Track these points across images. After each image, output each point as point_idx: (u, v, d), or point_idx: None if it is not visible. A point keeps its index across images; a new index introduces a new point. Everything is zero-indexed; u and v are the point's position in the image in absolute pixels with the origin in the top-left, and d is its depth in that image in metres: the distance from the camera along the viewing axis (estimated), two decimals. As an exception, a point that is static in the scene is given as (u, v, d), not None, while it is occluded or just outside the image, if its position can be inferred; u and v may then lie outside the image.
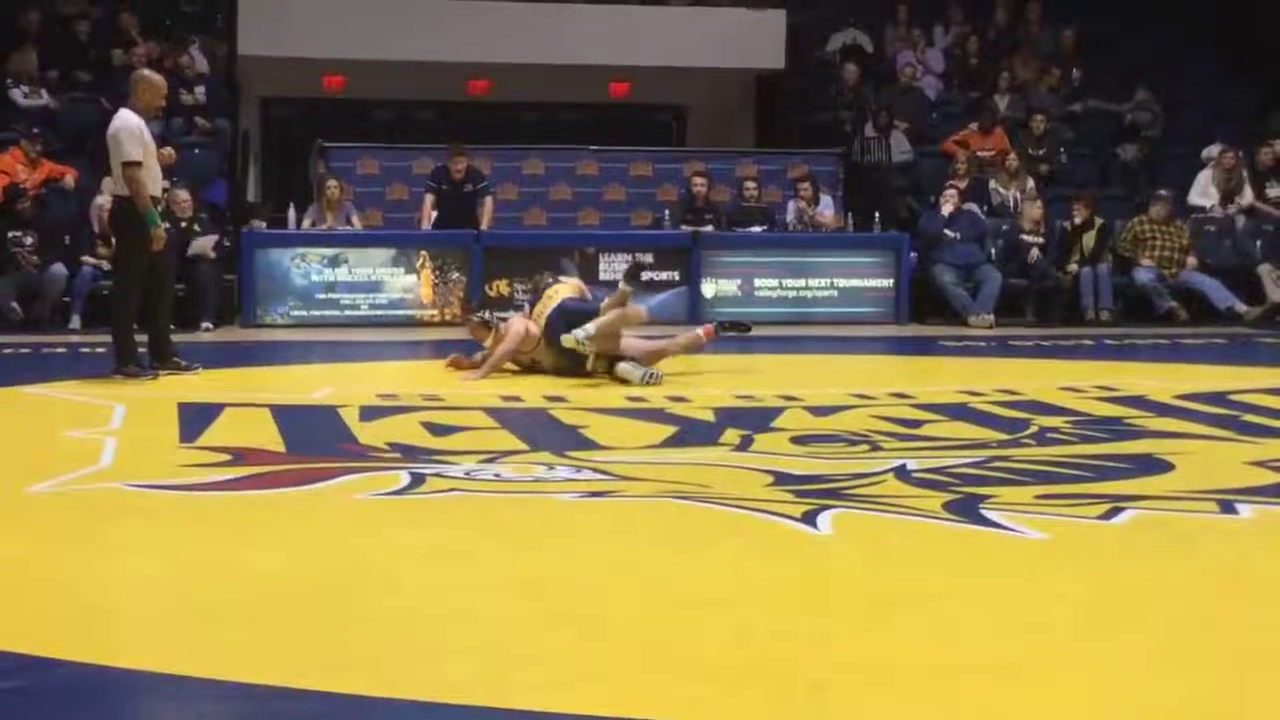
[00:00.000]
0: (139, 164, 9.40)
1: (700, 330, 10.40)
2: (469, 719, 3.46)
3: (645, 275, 14.11)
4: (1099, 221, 14.82)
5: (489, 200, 14.54)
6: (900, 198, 16.04)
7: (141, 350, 9.77)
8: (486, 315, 10.23)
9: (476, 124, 17.52)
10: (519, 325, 9.85)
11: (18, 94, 15.17)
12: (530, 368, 9.91)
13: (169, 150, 10.52)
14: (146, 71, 10.40)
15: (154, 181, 9.64)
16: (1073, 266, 14.47)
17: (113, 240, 13.27)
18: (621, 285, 9.97)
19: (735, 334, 10.68)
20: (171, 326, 10.29)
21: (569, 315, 9.72)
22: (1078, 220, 14.72)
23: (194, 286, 13.36)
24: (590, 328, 9.44)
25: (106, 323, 13.27)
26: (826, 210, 15.13)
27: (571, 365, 9.60)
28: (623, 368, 9.52)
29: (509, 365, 9.87)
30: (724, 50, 17.33)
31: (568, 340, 9.43)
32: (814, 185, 15.22)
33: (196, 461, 6.68)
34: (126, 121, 9.52)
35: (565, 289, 10.17)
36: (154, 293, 9.78)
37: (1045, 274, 14.53)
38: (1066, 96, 17.41)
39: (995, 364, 11.47)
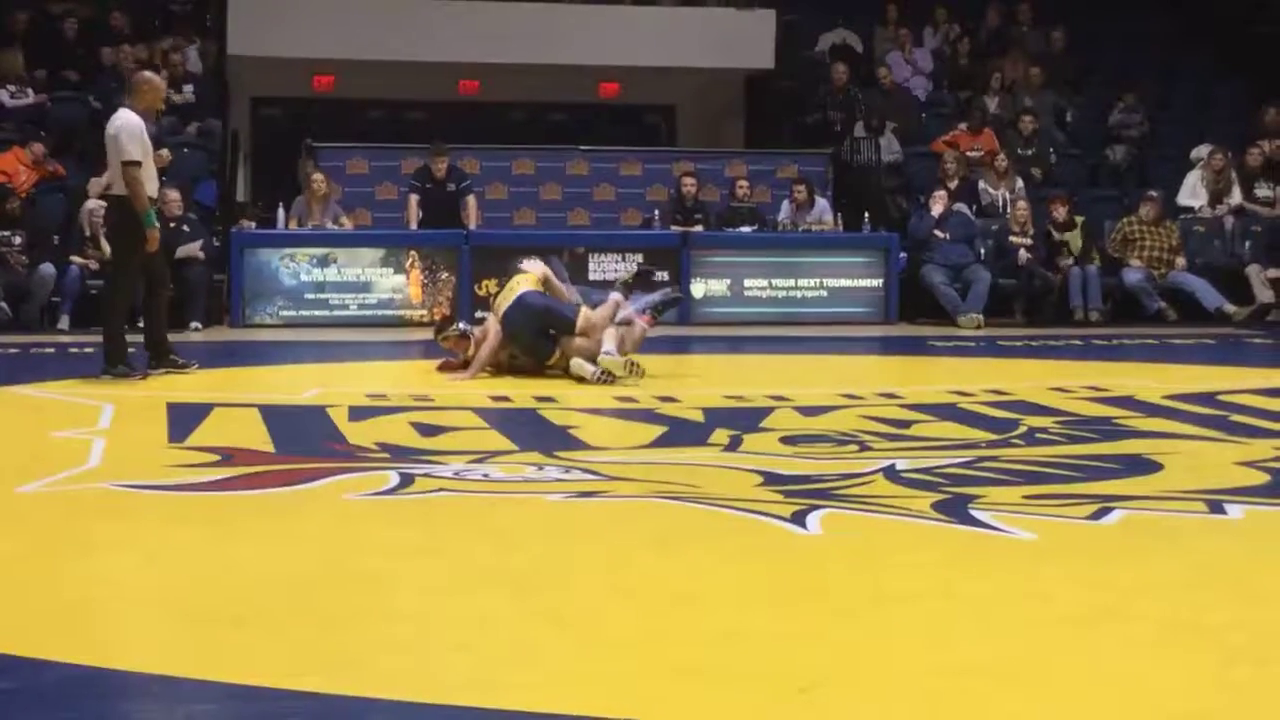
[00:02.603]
0: (138, 164, 9.38)
1: (642, 323, 10.23)
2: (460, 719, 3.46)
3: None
4: (1079, 220, 14.85)
5: (472, 199, 14.54)
6: (890, 198, 16.05)
7: (133, 350, 9.75)
8: (461, 326, 10.21)
9: (467, 124, 17.51)
10: (495, 325, 9.83)
11: (4, 94, 15.14)
12: (510, 368, 9.86)
13: (165, 152, 10.55)
14: (147, 73, 10.44)
15: (150, 182, 9.62)
16: (1066, 263, 14.49)
17: (102, 241, 13.28)
18: (615, 293, 9.93)
19: (669, 305, 10.54)
20: None
21: (530, 312, 9.67)
22: (1058, 219, 14.75)
23: (183, 286, 13.34)
24: (611, 349, 9.41)
25: (96, 323, 13.29)
26: (826, 215, 15.13)
27: (534, 360, 9.63)
28: (575, 363, 9.46)
29: (487, 367, 9.81)
30: (714, 50, 17.34)
31: (608, 363, 9.36)
32: (809, 188, 15.23)
33: (185, 462, 6.67)
34: (128, 121, 9.49)
35: (526, 279, 10.07)
36: (148, 292, 9.77)
37: (1034, 274, 14.55)
38: (1056, 101, 17.41)
39: (984, 364, 11.49)
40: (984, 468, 6.60)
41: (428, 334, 11.02)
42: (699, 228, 14.70)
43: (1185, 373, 10.72)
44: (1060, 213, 14.76)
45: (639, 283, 10.41)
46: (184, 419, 7.86)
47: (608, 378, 9.32)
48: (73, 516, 5.62)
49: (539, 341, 9.67)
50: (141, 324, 9.93)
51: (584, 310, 9.69)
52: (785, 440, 7.32)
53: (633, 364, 9.40)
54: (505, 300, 9.85)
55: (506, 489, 6.13)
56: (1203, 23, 18.79)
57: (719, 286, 14.40)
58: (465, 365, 9.83)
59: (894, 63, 17.55)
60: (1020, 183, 15.66)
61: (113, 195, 9.72)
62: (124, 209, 9.50)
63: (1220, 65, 18.49)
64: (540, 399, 8.77)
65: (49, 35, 16.12)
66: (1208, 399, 8.87)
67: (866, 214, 14.98)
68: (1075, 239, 14.70)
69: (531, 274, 10.02)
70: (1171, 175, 16.13)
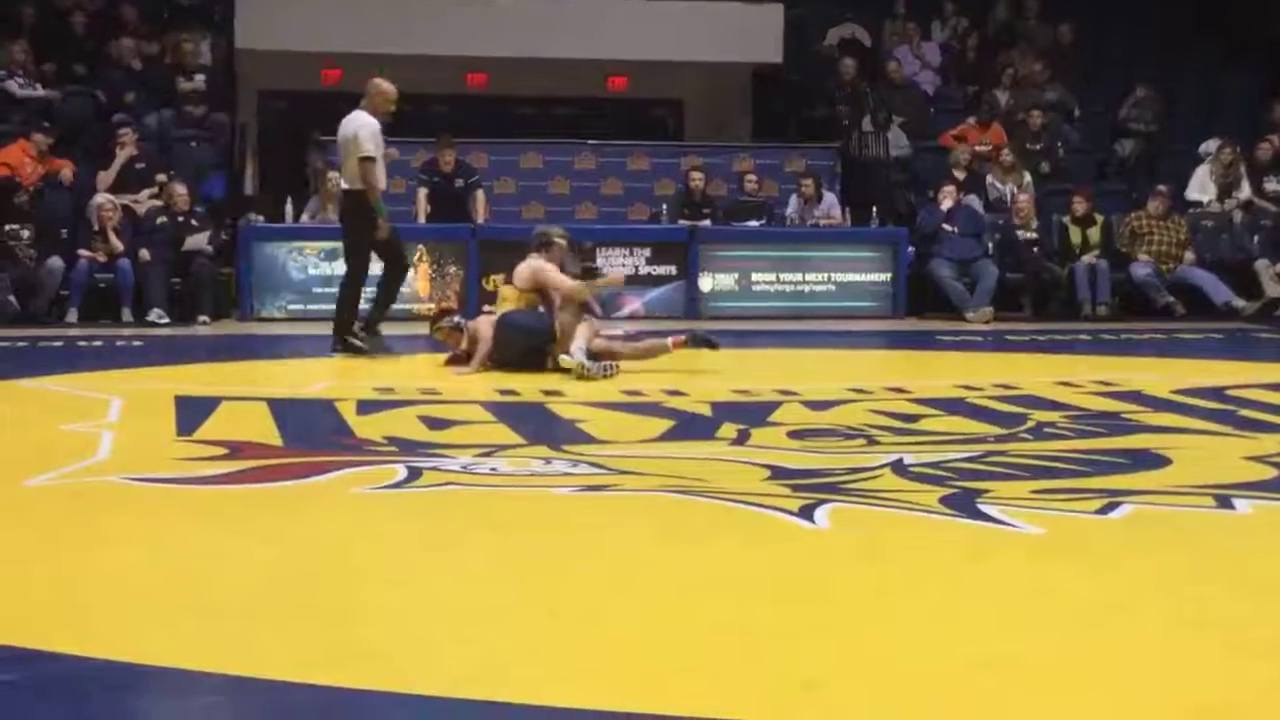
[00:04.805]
0: (373, 159, 10.28)
1: (669, 340, 10.13)
2: (469, 713, 3.46)
3: (643, 270, 14.17)
4: (1100, 218, 14.86)
5: (480, 194, 14.55)
6: (898, 192, 16.05)
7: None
8: (457, 320, 10.23)
9: (474, 118, 17.51)
10: (487, 328, 9.82)
11: (13, 84, 15.14)
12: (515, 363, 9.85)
13: (394, 150, 11.19)
14: (379, 79, 10.92)
15: (382, 176, 10.54)
16: (1088, 259, 14.47)
17: (110, 235, 13.34)
18: (582, 284, 9.85)
19: (704, 343, 10.33)
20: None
21: (511, 334, 9.65)
22: (1079, 213, 14.75)
23: (191, 280, 13.38)
24: (582, 344, 9.38)
25: (103, 316, 13.37)
26: (834, 210, 15.13)
27: (532, 360, 9.58)
28: (563, 358, 9.39)
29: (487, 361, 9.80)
30: (722, 44, 17.33)
31: (568, 363, 9.31)
32: (816, 182, 15.23)
33: (193, 455, 6.67)
34: (368, 121, 10.44)
35: (509, 295, 10.01)
36: (389, 272, 10.84)
37: (1041, 268, 14.54)
38: (1062, 95, 17.38)
39: (992, 358, 11.48)
40: (992, 462, 6.59)
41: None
42: (707, 222, 14.70)
43: (1193, 367, 10.71)
44: (1080, 207, 14.74)
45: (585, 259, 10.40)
46: (192, 412, 7.87)
47: (609, 369, 9.31)
48: (80, 509, 5.62)
49: (527, 357, 9.64)
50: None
51: (556, 326, 9.60)
52: (793, 434, 7.31)
53: (586, 368, 9.29)
54: (496, 312, 9.90)
55: (514, 483, 6.13)
56: (1212, 17, 18.76)
57: (727, 280, 14.41)
58: (469, 359, 9.84)
59: (902, 57, 17.54)
60: (1028, 177, 15.65)
61: (349, 188, 10.58)
62: (359, 200, 10.38)
63: (1230, 60, 18.45)
64: (548, 393, 8.77)
65: (57, 29, 16.12)
66: (1216, 394, 8.86)
67: (874, 208, 14.98)
68: (1095, 234, 14.70)
69: (510, 292, 9.99)
70: (1180, 170, 16.12)
